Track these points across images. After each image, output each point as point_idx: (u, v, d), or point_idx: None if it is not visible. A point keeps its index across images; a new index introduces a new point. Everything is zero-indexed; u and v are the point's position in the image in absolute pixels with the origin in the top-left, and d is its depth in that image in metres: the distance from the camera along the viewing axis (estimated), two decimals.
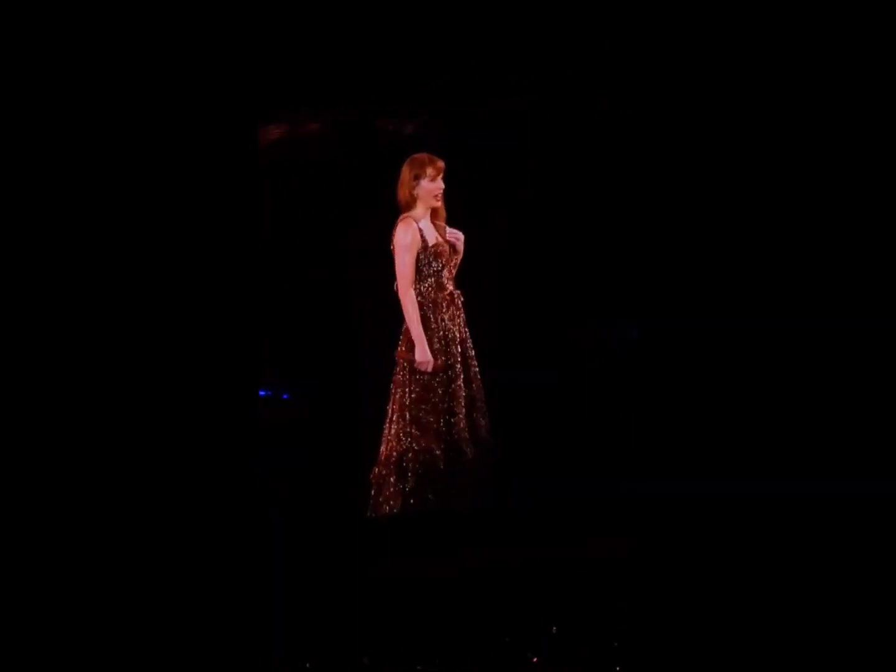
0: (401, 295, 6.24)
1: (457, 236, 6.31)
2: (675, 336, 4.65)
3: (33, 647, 4.43)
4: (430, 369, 6.21)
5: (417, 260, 6.21)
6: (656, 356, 4.69)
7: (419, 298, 6.24)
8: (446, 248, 6.26)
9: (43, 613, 4.47)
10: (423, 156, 6.22)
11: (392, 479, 6.23)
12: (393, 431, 6.27)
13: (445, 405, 6.27)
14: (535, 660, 4.72)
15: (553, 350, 7.08)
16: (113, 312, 4.58)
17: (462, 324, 6.33)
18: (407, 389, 6.28)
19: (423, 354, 6.21)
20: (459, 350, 6.30)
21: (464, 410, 6.27)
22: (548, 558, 5.42)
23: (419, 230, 6.20)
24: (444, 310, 6.27)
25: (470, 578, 5.25)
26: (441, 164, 6.19)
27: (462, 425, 6.28)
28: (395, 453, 6.23)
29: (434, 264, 6.23)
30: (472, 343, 6.35)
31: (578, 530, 5.74)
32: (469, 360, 6.34)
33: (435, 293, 6.26)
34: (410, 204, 6.22)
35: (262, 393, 6.96)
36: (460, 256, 6.32)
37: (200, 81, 4.69)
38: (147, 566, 4.54)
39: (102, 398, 4.55)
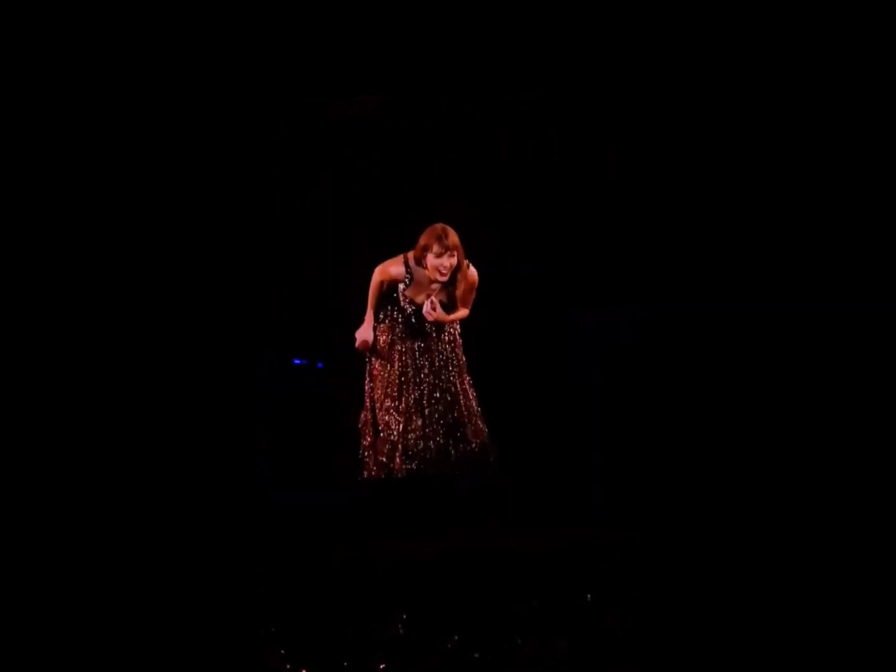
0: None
1: (432, 314, 6.25)
2: (673, 319, 4.66)
3: (36, 636, 4.44)
4: (356, 344, 6.32)
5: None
6: (654, 338, 4.70)
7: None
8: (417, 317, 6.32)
9: (41, 597, 4.48)
10: (437, 228, 6.22)
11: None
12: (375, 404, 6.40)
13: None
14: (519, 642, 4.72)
15: (552, 334, 7.07)
16: (115, 303, 4.59)
17: (438, 344, 6.37)
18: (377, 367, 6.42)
19: (360, 331, 6.32)
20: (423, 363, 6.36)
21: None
22: (546, 544, 5.44)
23: (399, 284, 6.29)
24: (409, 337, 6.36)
25: (466, 561, 5.27)
26: (450, 241, 6.16)
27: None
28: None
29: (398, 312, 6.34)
30: (467, 339, 6.38)
31: (581, 516, 5.76)
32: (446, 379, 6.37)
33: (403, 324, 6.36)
34: (422, 263, 6.25)
35: (296, 361, 7.06)
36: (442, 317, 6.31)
37: (205, 73, 4.70)
38: (144, 554, 4.55)
39: (103, 385, 4.56)
